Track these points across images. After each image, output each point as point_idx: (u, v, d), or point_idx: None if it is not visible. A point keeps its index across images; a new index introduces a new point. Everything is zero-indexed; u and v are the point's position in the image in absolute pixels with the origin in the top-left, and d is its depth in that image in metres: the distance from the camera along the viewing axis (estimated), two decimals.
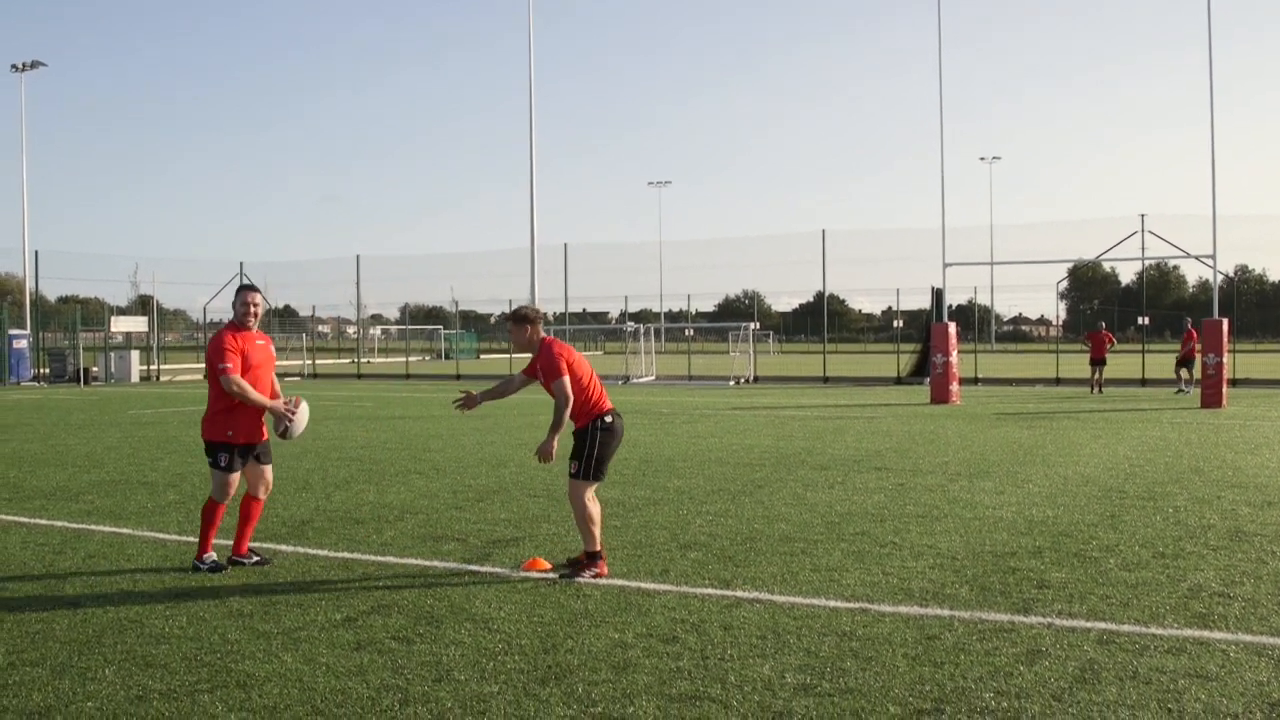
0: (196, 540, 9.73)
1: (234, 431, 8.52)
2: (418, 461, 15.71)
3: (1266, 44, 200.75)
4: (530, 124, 45.28)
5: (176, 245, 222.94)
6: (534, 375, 8.64)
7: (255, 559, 8.83)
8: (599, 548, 8.37)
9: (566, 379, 8.35)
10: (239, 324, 8.67)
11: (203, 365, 51.46)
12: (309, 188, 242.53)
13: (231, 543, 8.92)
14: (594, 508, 8.41)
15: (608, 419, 8.51)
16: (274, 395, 8.78)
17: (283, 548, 9.46)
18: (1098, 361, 32.96)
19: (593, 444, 8.41)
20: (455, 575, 8.43)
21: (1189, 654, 6.29)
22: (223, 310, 64.66)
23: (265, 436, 8.78)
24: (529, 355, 8.66)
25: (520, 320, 8.68)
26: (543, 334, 8.68)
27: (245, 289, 8.76)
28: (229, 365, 8.38)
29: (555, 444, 8.39)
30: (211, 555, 8.63)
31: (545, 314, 9.89)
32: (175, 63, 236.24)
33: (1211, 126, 30.04)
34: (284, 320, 74.83)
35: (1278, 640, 6.55)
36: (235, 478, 8.63)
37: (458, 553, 9.23)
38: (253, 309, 8.67)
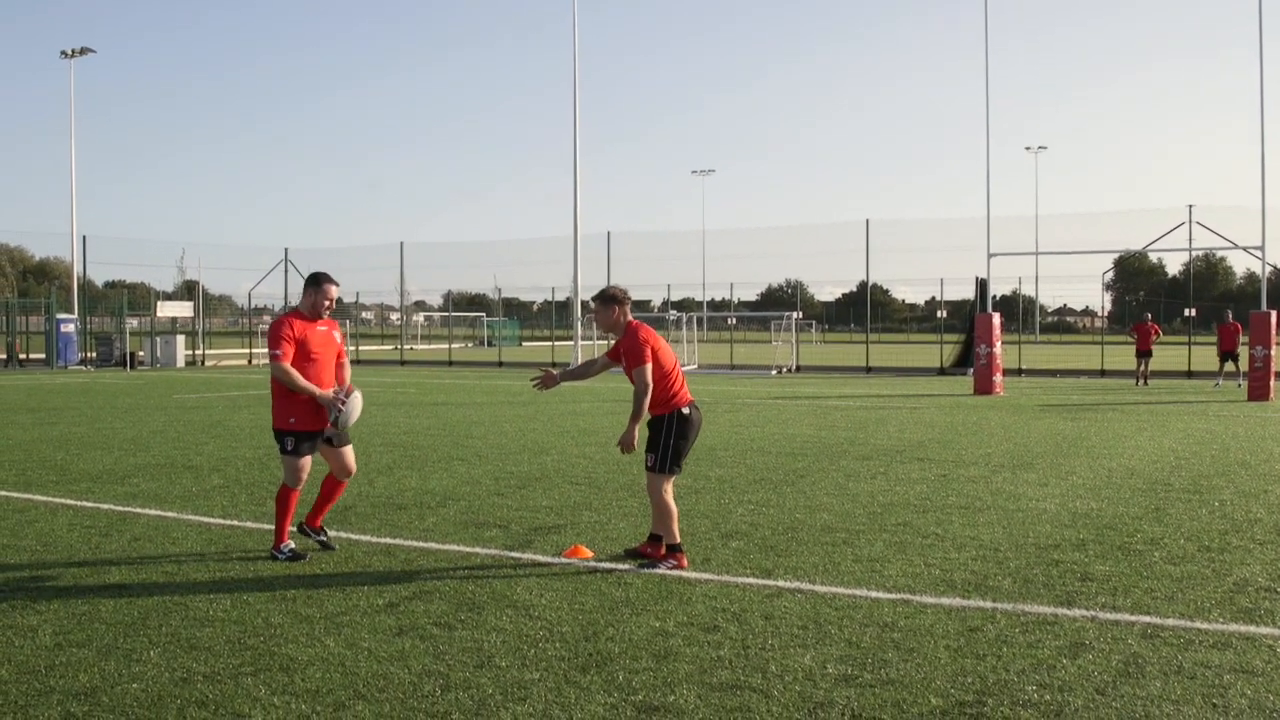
0: (241, 524, 9.82)
1: (295, 418, 8.48)
2: (460, 448, 15.77)
3: None
4: (574, 111, 45.32)
5: (222, 231, 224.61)
6: (617, 359, 8.50)
7: (322, 538, 8.82)
8: (679, 540, 8.32)
9: (649, 366, 8.23)
10: (310, 314, 8.59)
11: (247, 350, 51.64)
12: (353, 174, 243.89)
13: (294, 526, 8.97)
14: (672, 501, 8.36)
15: (685, 410, 8.39)
16: (341, 382, 8.73)
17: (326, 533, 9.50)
18: (1144, 353, 32.67)
19: (669, 434, 8.30)
20: (497, 562, 8.46)
21: (1234, 649, 6.23)
22: (267, 296, 65.16)
23: None
24: (612, 339, 8.58)
25: (607, 300, 8.49)
26: (630, 317, 8.53)
27: (325, 280, 8.63)
28: (279, 352, 8.36)
29: (636, 434, 8.31)
30: (290, 544, 8.57)
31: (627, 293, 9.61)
32: (221, 47, 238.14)
33: (1261, 117, 29.72)
34: None
35: None
36: (304, 462, 8.56)
37: (499, 540, 9.26)
38: (327, 303, 8.62)
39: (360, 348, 58.32)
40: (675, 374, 8.45)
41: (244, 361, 53.23)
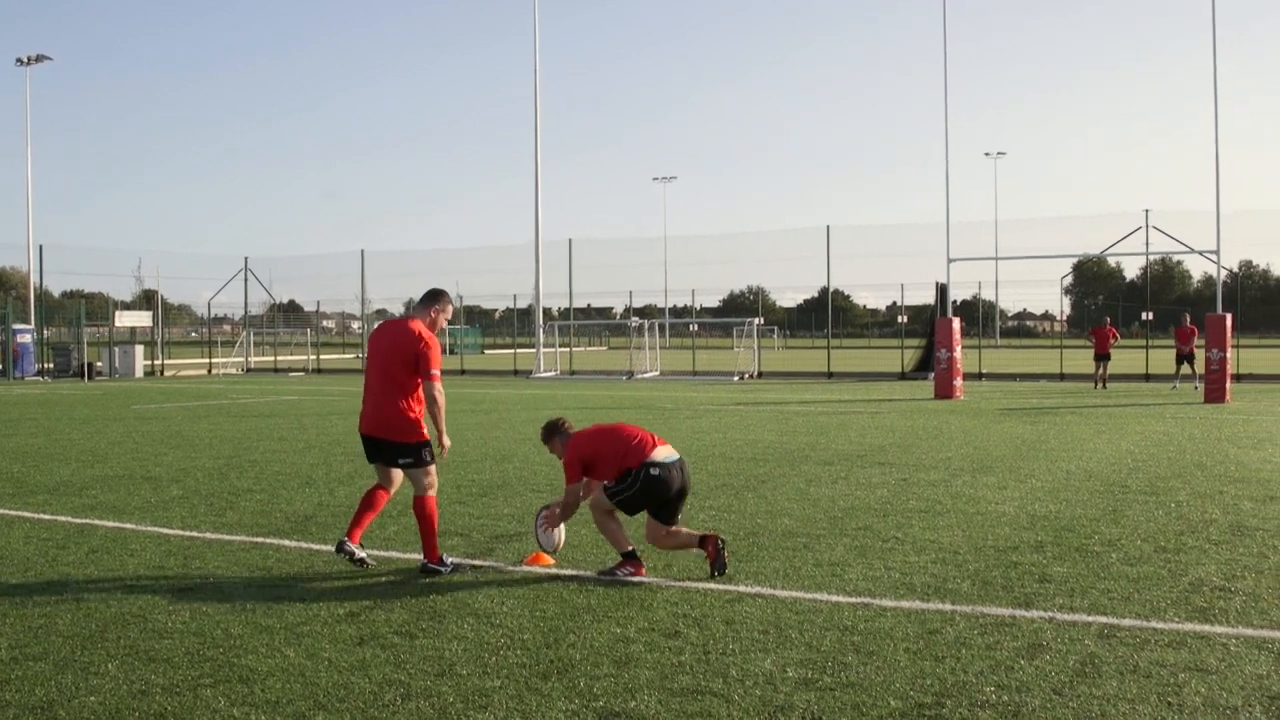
0: (201, 535, 9.75)
1: (424, 429, 8.46)
2: None
3: (1270, 39, 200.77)
4: (535, 118, 45.31)
5: (181, 240, 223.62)
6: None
7: (362, 554, 8.45)
8: (630, 548, 8.22)
9: (575, 487, 8.34)
10: (433, 330, 8.56)
11: (207, 360, 50.90)
12: (313, 183, 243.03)
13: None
14: (611, 519, 8.24)
15: (654, 470, 8.06)
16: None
17: (286, 542, 9.47)
18: (1102, 357, 32.98)
19: (631, 486, 8.08)
20: (458, 570, 8.43)
21: (1189, 648, 6.30)
22: (227, 305, 64.62)
23: None
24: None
25: (547, 440, 8.72)
26: (571, 433, 8.57)
27: (446, 295, 8.65)
28: (439, 372, 8.35)
29: (551, 529, 8.55)
30: (449, 557, 8.51)
31: (564, 422, 9.51)
32: (179, 56, 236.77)
33: (1215, 122, 30.06)
34: (289, 315, 74.81)
35: (1278, 634, 6.56)
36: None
37: (461, 548, 9.24)
38: (447, 318, 8.71)
39: (322, 356, 57.96)
40: (626, 448, 8.18)
41: (203, 371, 52.83)
